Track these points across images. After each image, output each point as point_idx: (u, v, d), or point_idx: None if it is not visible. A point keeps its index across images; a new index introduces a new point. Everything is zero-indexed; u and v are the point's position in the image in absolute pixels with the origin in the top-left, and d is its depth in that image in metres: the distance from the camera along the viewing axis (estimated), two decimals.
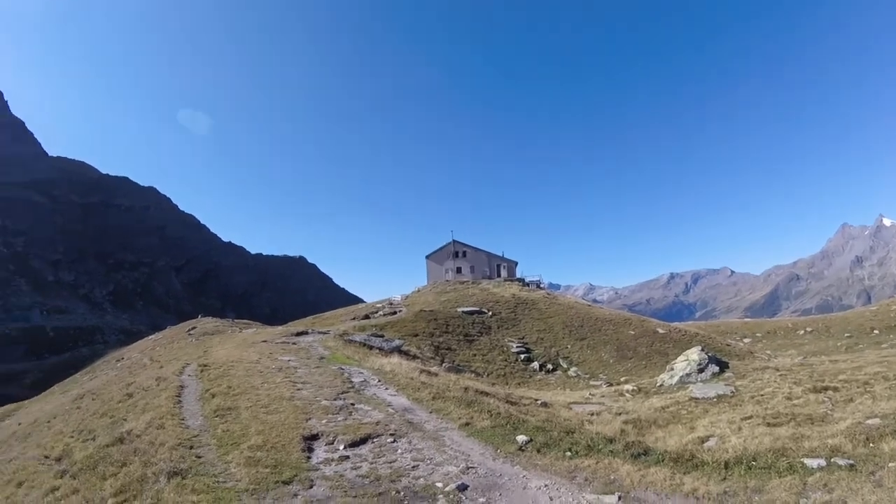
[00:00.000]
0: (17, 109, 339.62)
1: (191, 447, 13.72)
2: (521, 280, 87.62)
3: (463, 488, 10.92)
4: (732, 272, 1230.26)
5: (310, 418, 15.87)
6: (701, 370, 31.80)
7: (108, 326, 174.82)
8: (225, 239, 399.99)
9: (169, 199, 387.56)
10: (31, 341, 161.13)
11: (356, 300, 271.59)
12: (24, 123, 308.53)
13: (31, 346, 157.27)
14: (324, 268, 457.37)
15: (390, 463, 12.38)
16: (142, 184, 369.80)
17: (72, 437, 19.06)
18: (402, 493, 10.62)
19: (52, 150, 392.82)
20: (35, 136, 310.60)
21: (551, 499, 10.48)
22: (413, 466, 12.15)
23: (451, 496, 10.54)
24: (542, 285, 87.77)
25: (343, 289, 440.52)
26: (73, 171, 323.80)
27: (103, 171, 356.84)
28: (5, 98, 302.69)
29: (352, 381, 22.32)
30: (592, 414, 23.01)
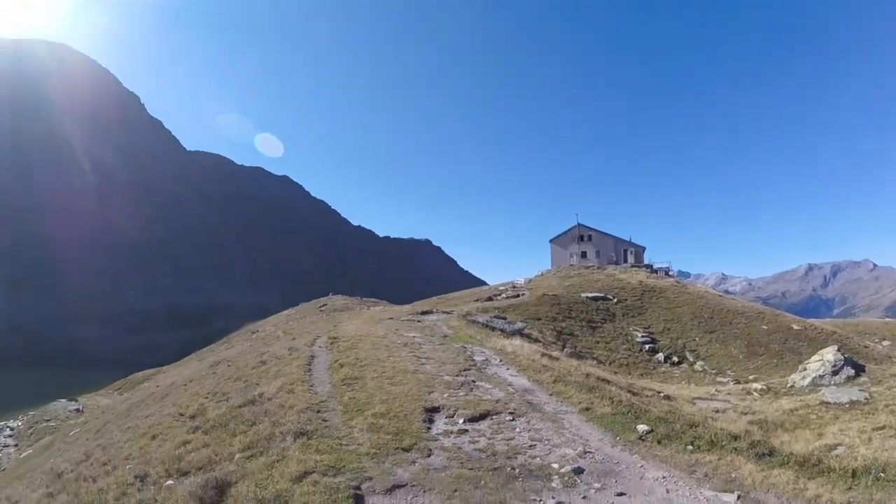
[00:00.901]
0: (154, 111, 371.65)
1: (318, 411, 14.46)
2: (649, 266, 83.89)
3: (579, 472, 10.72)
4: (875, 266, 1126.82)
5: (432, 391, 16.26)
6: (835, 372, 29.62)
7: (243, 303, 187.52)
8: (354, 223, 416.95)
9: (301, 187, 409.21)
10: (172, 317, 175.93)
11: (479, 283, 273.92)
12: (161, 122, 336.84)
13: (173, 320, 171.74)
14: (448, 250, 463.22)
15: (508, 440, 12.40)
16: (275, 173, 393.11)
17: (206, 398, 20.58)
18: (518, 471, 10.60)
19: (190, 145, 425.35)
20: (173, 133, 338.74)
21: (668, 491, 10.07)
22: (530, 446, 12.10)
23: (567, 478, 10.39)
24: (670, 273, 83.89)
25: (467, 271, 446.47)
26: (210, 163, 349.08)
27: (238, 162, 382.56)
28: (143, 101, 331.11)
29: (474, 360, 22.55)
30: (717, 411, 21.93)
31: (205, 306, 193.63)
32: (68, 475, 16.15)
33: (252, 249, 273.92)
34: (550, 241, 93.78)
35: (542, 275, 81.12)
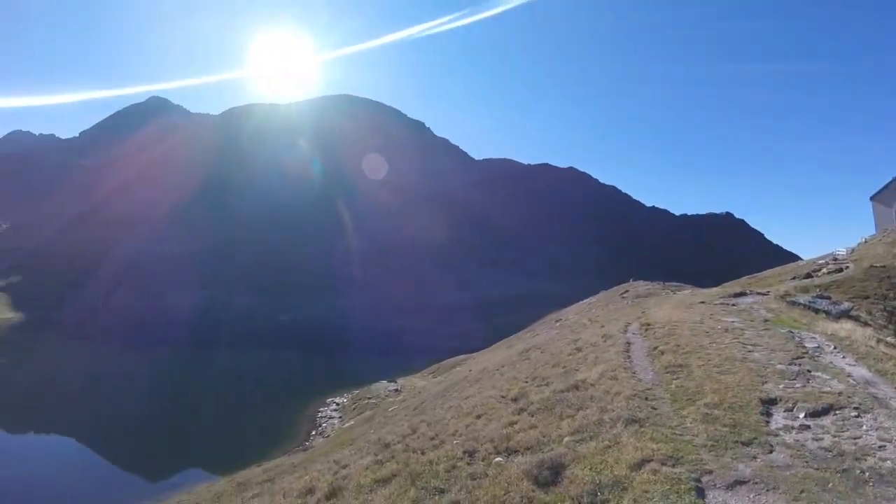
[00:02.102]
0: (439, 131, 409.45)
1: (645, 399, 13.85)
2: None
3: None
4: None
5: (765, 382, 14.51)
6: None
7: (544, 293, 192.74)
8: (648, 204, 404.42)
9: (588, 175, 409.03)
10: (480, 308, 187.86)
11: (792, 257, 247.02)
12: (447, 140, 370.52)
13: (480, 311, 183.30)
14: (753, 223, 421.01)
15: (854, 439, 10.65)
16: (560, 166, 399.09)
17: (525, 382, 21.00)
18: (868, 474, 9.10)
19: (479, 155, 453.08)
20: (460, 147, 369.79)
21: None
22: (879, 447, 10.23)
23: None
24: None
25: (777, 245, 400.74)
26: (499, 167, 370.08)
27: (525, 162, 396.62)
28: (427, 125, 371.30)
29: (804, 347, 19.87)
30: None
31: (507, 297, 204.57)
32: (395, 446, 17.41)
33: (547, 241, 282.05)
34: (871, 198, 73.11)
35: (865, 242, 66.82)
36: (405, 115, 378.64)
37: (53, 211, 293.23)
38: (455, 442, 14.19)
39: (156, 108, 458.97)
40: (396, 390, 71.29)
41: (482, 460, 11.81)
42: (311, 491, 14.89)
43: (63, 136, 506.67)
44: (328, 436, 56.12)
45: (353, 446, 26.52)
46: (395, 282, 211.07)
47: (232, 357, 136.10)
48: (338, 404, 72.41)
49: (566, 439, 11.36)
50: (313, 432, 61.45)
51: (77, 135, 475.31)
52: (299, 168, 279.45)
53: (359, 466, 16.02)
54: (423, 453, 14.16)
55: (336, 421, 64.07)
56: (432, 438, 16.23)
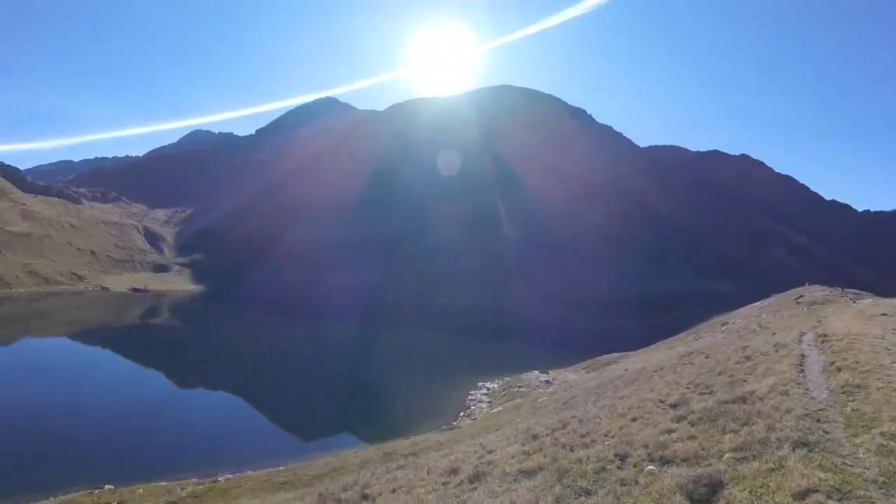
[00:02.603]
0: (601, 118, 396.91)
1: (817, 420, 12.66)
2: None
3: None
4: None
5: None
6: None
7: (708, 292, 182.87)
8: (828, 197, 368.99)
9: (762, 164, 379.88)
10: (639, 304, 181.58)
11: None
12: (611, 128, 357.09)
13: (639, 307, 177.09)
14: None
15: None
16: (732, 153, 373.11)
17: (687, 388, 20.04)
18: None
19: (644, 142, 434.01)
20: (624, 134, 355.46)
21: None
22: None
23: None
24: None
25: None
26: (664, 155, 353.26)
27: (692, 149, 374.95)
28: (589, 112, 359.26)
29: None
30: None
31: (670, 294, 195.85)
32: (544, 438, 17.26)
33: (715, 236, 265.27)
34: None
35: None
36: (565, 103, 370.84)
37: (231, 199, 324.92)
38: (606, 443, 13.91)
39: (325, 106, 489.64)
40: (547, 381, 71.07)
41: (634, 466, 11.45)
42: (455, 471, 15.18)
43: (240, 135, 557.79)
44: (475, 418, 57.17)
45: (500, 432, 26.74)
46: (553, 272, 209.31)
47: (392, 335, 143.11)
48: (488, 389, 73.46)
49: (727, 455, 10.66)
50: (462, 413, 62.84)
51: (254, 132, 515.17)
52: (461, 159, 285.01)
53: (505, 454, 16.15)
54: (571, 450, 13.98)
55: (485, 405, 65.03)
56: (583, 436, 16.00)
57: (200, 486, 39.57)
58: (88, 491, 42.04)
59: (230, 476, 42.62)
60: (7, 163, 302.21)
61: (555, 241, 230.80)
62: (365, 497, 15.66)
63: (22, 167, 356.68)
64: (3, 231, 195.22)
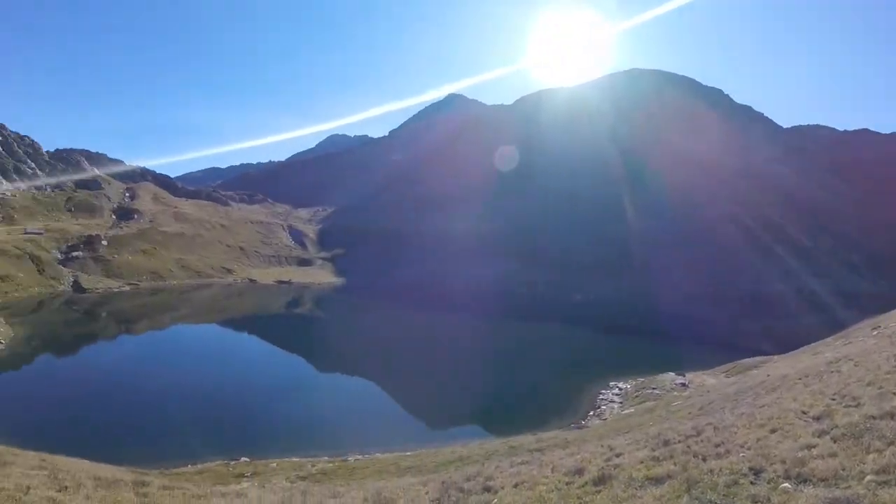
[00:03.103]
0: (740, 98, 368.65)
1: None
2: None
3: None
4: None
5: None
6: None
7: (863, 293, 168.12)
8: None
9: None
10: (785, 301, 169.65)
11: None
12: (750, 108, 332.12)
13: (786, 305, 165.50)
14: None
15: None
16: (883, 132, 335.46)
17: (832, 399, 18.88)
18: None
19: (786, 122, 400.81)
20: (765, 114, 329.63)
21: None
22: None
23: None
24: None
25: None
26: (809, 136, 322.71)
27: (840, 128, 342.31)
28: (726, 93, 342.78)
29: None
30: None
31: (819, 293, 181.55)
32: (675, 445, 16.80)
33: (865, 227, 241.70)
34: None
35: None
36: (699, 84, 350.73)
37: (368, 196, 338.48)
38: (741, 454, 13.41)
39: (454, 104, 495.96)
40: (683, 385, 68.55)
41: (768, 482, 10.95)
42: (579, 472, 15.13)
43: (374, 136, 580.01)
44: (605, 419, 56.29)
45: (630, 435, 26.28)
46: (691, 266, 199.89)
47: (524, 328, 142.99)
48: (620, 389, 71.97)
49: (868, 478, 9.93)
50: (591, 412, 62.02)
51: (387, 133, 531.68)
52: (592, 148, 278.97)
53: (633, 458, 15.91)
54: (704, 460, 13.62)
55: (616, 405, 63.84)
56: (717, 445, 15.49)
57: (330, 465, 41.94)
58: (225, 462, 45.97)
59: (359, 457, 44.93)
60: (160, 172, 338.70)
61: (690, 233, 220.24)
62: (487, 489, 15.89)
63: (173, 175, 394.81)
64: (158, 231, 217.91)
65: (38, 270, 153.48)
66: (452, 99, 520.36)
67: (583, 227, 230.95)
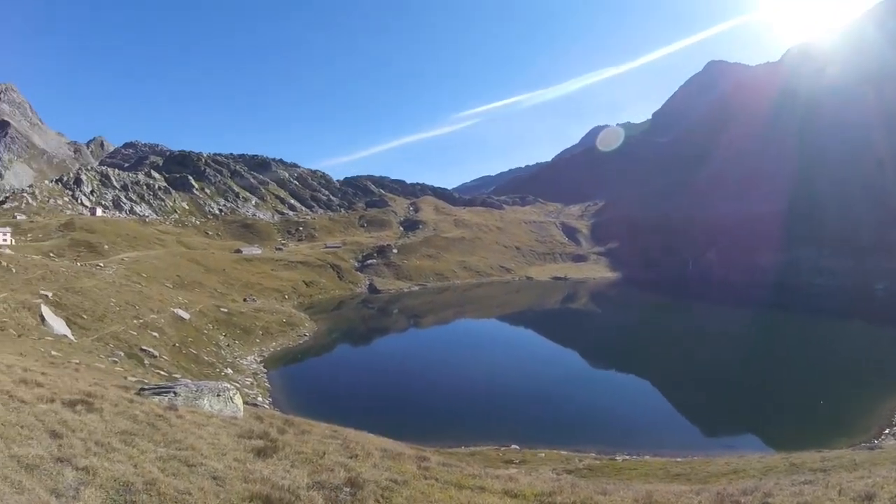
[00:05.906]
0: None
1: None
2: None
3: None
4: None
5: None
6: None
7: None
8: None
9: None
10: None
11: None
12: None
13: None
14: None
15: None
16: None
17: None
18: None
19: None
20: None
21: None
22: None
23: None
24: None
25: None
26: None
27: None
28: None
29: None
30: None
31: None
32: None
33: None
34: None
35: None
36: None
37: (638, 186, 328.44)
38: None
39: (715, 73, 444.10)
40: None
41: None
42: (869, 498, 13.61)
43: (636, 122, 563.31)
44: None
45: None
46: None
47: (813, 324, 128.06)
48: None
49: None
50: (886, 430, 54.25)
51: (650, 117, 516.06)
52: (879, 104, 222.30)
53: None
54: None
55: None
56: None
57: (597, 461, 42.85)
58: (496, 447, 49.51)
59: (627, 457, 45.07)
60: (438, 186, 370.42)
61: None
62: None
63: (449, 187, 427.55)
64: (441, 238, 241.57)
65: (339, 276, 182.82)
66: (712, 67, 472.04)
67: (884, 197, 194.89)
